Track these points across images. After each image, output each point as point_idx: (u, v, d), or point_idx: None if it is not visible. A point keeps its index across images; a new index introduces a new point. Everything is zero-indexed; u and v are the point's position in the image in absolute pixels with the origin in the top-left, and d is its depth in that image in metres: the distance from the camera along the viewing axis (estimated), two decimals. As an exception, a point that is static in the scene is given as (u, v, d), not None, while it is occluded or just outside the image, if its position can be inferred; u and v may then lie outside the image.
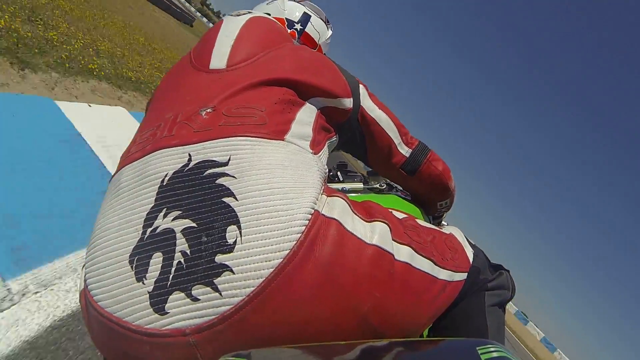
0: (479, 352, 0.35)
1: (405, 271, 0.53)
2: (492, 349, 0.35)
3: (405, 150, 0.83)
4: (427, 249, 0.58)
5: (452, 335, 0.65)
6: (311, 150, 0.58)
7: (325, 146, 0.64)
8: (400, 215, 0.63)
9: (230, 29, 0.66)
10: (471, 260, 0.67)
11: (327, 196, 0.53)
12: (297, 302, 0.44)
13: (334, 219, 0.49)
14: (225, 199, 0.46)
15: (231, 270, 0.43)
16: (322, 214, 0.49)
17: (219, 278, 0.43)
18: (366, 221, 0.53)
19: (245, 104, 0.55)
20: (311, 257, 0.45)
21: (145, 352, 0.44)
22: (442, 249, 0.62)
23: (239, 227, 0.44)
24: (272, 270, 0.43)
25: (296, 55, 0.66)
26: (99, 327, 0.46)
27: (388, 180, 1.07)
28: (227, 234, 0.44)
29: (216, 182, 0.47)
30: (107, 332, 0.45)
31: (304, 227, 0.46)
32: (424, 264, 0.56)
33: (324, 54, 0.96)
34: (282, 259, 0.43)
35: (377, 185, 1.02)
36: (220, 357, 0.38)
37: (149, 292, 0.43)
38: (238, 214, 0.45)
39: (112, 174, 0.57)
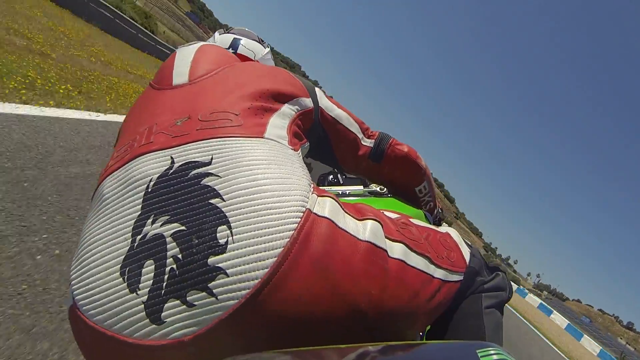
0: (479, 354, 0.35)
1: (400, 269, 0.53)
2: (492, 352, 0.35)
3: (368, 142, 0.86)
4: (422, 245, 0.58)
5: (449, 338, 0.65)
6: (291, 147, 0.58)
7: (300, 150, 0.64)
8: (392, 215, 0.63)
9: (185, 54, 0.69)
10: (467, 260, 0.67)
11: (318, 196, 0.52)
12: (294, 300, 0.43)
13: (326, 217, 0.49)
14: (212, 201, 0.46)
15: (225, 273, 0.42)
16: (314, 212, 0.48)
17: (214, 282, 0.42)
18: (358, 219, 0.53)
19: (218, 109, 0.56)
20: (305, 255, 0.44)
21: None
22: (437, 247, 0.62)
23: (229, 227, 0.44)
24: (266, 270, 0.42)
25: (251, 68, 0.68)
26: (93, 344, 0.45)
27: None
28: (217, 235, 0.43)
29: (201, 183, 0.47)
30: (102, 348, 0.44)
31: (296, 224, 0.45)
32: (418, 262, 0.56)
33: None
34: (276, 258, 0.43)
35: (378, 189, 1.02)
36: None
37: (143, 303, 0.42)
38: (227, 214, 0.45)
39: (93, 191, 0.56)
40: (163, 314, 0.41)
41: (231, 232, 0.43)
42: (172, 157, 0.50)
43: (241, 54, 1.00)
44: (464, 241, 0.72)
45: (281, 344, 0.43)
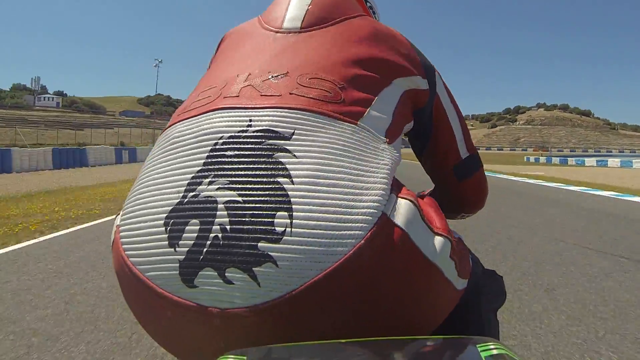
0: (479, 349, 0.35)
1: (448, 291, 0.51)
2: (492, 346, 0.35)
3: (463, 153, 0.71)
4: (459, 263, 0.53)
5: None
6: (386, 139, 0.50)
7: (401, 135, 0.57)
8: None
9: None
10: (471, 264, 0.62)
11: (397, 196, 0.46)
12: (333, 310, 0.41)
13: (401, 227, 0.43)
14: (280, 180, 0.42)
15: (275, 263, 0.39)
16: (390, 219, 0.43)
17: (260, 268, 0.39)
18: (433, 232, 0.48)
19: (321, 74, 0.51)
20: (366, 267, 0.41)
21: (167, 317, 0.43)
22: (462, 258, 0.56)
23: (291, 216, 0.40)
24: (319, 273, 0.39)
25: (373, 28, 0.61)
26: (128, 283, 0.46)
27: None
28: (275, 220, 0.40)
29: (274, 156, 0.43)
30: (135, 289, 0.45)
31: (367, 231, 0.41)
32: (458, 281, 0.53)
33: None
34: (332, 264, 0.39)
35: None
36: (232, 349, 0.37)
37: (179, 261, 0.41)
38: (292, 199, 0.41)
39: (164, 128, 0.55)
40: (197, 279, 0.40)
41: (291, 222, 0.40)
42: (250, 119, 0.46)
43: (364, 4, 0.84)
44: None
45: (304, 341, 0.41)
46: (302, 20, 0.57)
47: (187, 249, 0.41)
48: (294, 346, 0.38)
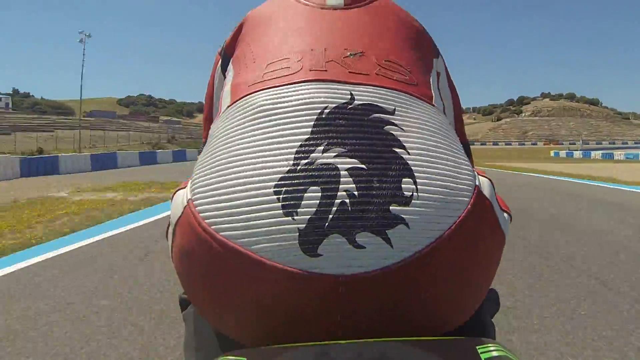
0: (479, 351, 0.35)
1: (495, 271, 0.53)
2: (491, 348, 0.36)
3: None
4: None
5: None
6: (449, 120, 0.56)
7: None
8: None
9: None
10: None
11: (477, 174, 0.50)
12: (456, 267, 0.43)
13: (490, 200, 0.48)
14: (396, 150, 0.44)
15: (406, 225, 0.41)
16: (481, 191, 0.47)
17: (392, 230, 0.40)
18: (502, 209, 0.52)
19: (392, 57, 0.53)
20: (472, 229, 0.44)
21: (268, 291, 0.41)
22: None
23: (415, 182, 0.42)
24: (442, 233, 0.42)
25: (402, 10, 0.63)
26: (215, 261, 0.42)
27: None
28: (402, 185, 0.42)
29: (384, 129, 0.45)
30: (221, 265, 0.42)
31: (470, 198, 0.45)
32: None
33: None
34: (449, 225, 0.42)
35: None
36: (361, 308, 0.40)
37: (299, 230, 0.40)
38: (412, 167, 0.43)
39: (229, 102, 0.53)
40: (321, 247, 0.40)
41: (416, 187, 0.42)
42: (352, 94, 0.47)
43: None
44: None
45: (422, 304, 0.43)
46: None
47: (309, 216, 0.39)
48: (292, 347, 0.38)
